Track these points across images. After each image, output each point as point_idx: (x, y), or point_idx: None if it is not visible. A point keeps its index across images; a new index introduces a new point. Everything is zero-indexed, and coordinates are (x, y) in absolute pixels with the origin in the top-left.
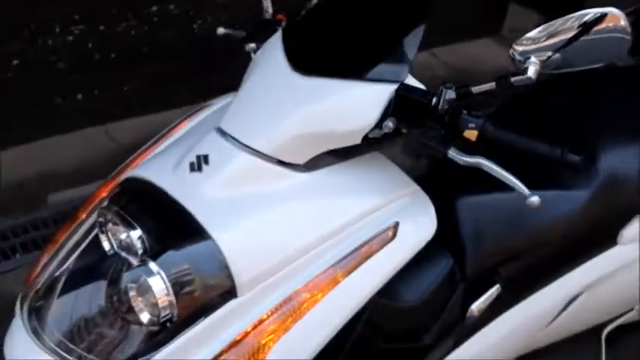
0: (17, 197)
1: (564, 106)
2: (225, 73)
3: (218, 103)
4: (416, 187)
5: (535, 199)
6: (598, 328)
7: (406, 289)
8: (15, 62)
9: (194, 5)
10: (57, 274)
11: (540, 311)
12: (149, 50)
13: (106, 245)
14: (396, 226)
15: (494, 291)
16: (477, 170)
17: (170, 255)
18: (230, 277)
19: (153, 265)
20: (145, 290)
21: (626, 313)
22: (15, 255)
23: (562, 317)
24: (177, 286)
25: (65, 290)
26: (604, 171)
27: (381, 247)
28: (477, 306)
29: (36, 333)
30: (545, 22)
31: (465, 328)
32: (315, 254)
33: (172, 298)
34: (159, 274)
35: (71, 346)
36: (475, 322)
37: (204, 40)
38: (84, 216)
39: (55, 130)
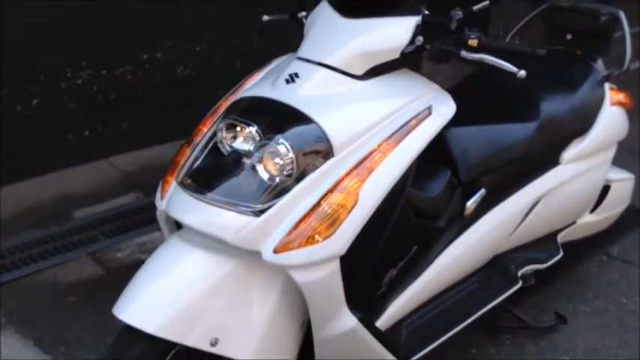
0: (45, 214)
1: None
2: (198, 112)
3: (275, 62)
4: (438, 87)
5: (523, 73)
6: (554, 234)
7: (427, 187)
8: (35, 102)
9: (176, 54)
10: (196, 165)
11: (513, 212)
12: (142, 92)
13: (224, 149)
14: (430, 108)
15: (481, 193)
16: (466, 108)
17: (287, 133)
18: (329, 143)
19: (277, 138)
20: (274, 154)
21: (573, 223)
22: (55, 256)
23: (527, 221)
24: (296, 150)
25: (204, 171)
26: (544, 111)
27: (423, 121)
28: (470, 203)
29: (194, 196)
30: None
31: (464, 221)
32: (381, 127)
33: (293, 156)
34: (283, 143)
35: (217, 196)
36: (470, 217)
37: (184, 82)
38: (204, 129)
39: (67, 162)
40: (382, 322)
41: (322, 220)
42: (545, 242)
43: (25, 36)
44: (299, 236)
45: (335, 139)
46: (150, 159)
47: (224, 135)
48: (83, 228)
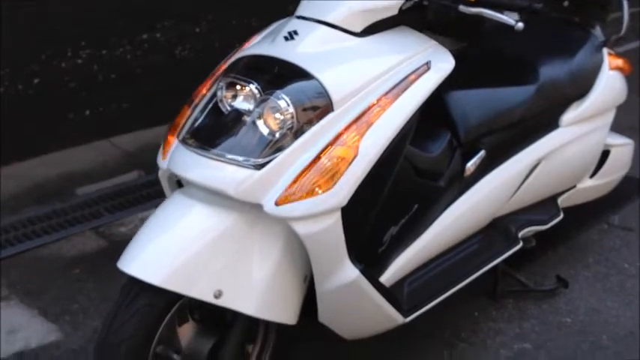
0: (48, 191)
1: (517, 41)
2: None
3: (274, 24)
4: (437, 43)
5: (520, 25)
6: (554, 197)
7: (428, 147)
8: (36, 81)
9: (176, 35)
10: (197, 123)
11: (512, 174)
12: (142, 72)
13: (225, 108)
14: (428, 63)
15: (481, 155)
16: (467, 72)
17: (286, 88)
18: (328, 98)
19: (278, 93)
20: (274, 109)
21: (573, 187)
22: (58, 231)
23: (527, 183)
24: (296, 104)
25: (205, 128)
26: (542, 75)
27: (421, 76)
28: (470, 164)
29: (196, 152)
30: None
31: (464, 182)
32: (380, 82)
33: (293, 111)
34: (283, 98)
35: (219, 152)
36: (470, 178)
37: (183, 63)
38: (204, 91)
39: (69, 141)
40: (384, 279)
41: (322, 172)
42: (546, 205)
43: (26, 15)
44: (300, 189)
45: (334, 94)
46: (151, 139)
47: (224, 94)
48: (86, 204)
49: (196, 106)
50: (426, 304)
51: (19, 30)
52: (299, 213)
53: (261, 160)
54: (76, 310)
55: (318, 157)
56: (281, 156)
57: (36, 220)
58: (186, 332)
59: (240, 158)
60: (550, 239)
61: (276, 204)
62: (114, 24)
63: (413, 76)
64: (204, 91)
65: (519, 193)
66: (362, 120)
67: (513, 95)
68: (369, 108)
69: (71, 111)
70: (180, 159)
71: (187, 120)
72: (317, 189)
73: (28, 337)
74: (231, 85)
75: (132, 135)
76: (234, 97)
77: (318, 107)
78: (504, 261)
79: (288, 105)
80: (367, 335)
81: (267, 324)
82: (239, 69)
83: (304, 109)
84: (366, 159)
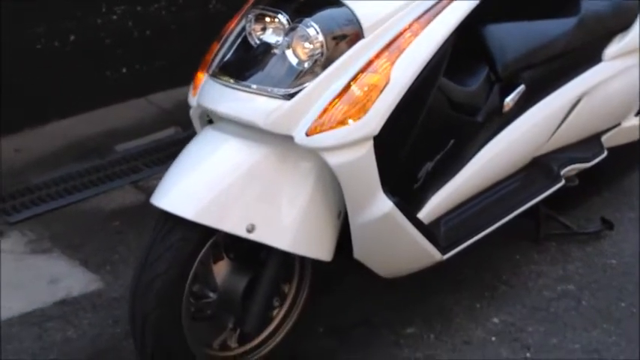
0: (87, 148)
1: None
2: None
3: None
4: None
5: None
6: (597, 135)
7: (464, 81)
8: (72, 38)
9: None
10: (227, 58)
11: (554, 110)
12: (176, 27)
13: (254, 41)
14: None
15: (520, 89)
16: (505, 4)
17: (316, 16)
18: (359, 25)
19: (307, 21)
20: (303, 38)
21: (617, 125)
22: (98, 186)
23: (569, 120)
24: (325, 32)
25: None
26: (584, 6)
27: (453, 1)
28: (509, 99)
29: (226, 85)
30: None
31: (503, 118)
32: (412, 7)
33: (323, 39)
34: (312, 26)
35: (248, 83)
36: (509, 113)
37: (217, 18)
38: (233, 25)
39: (107, 99)
40: (421, 217)
41: (353, 101)
42: (589, 143)
43: None
44: (331, 118)
45: (365, 21)
46: (187, 96)
47: (252, 26)
48: (125, 160)
49: (225, 41)
50: (464, 242)
51: None
52: (330, 143)
53: (290, 90)
54: (116, 261)
55: (348, 86)
56: (311, 85)
57: (76, 176)
58: (221, 270)
59: (270, 89)
60: (594, 181)
61: (307, 134)
62: None
63: (444, 2)
64: (232, 26)
65: (561, 130)
66: (393, 46)
67: (554, 28)
68: (401, 34)
69: (108, 68)
70: (209, 93)
71: (216, 55)
72: (348, 118)
73: (70, 286)
74: (259, 18)
75: (168, 92)
76: (264, 29)
77: (348, 35)
78: (547, 204)
79: (318, 33)
80: (404, 273)
81: (303, 264)
82: (268, 0)
83: (334, 38)
84: (398, 86)
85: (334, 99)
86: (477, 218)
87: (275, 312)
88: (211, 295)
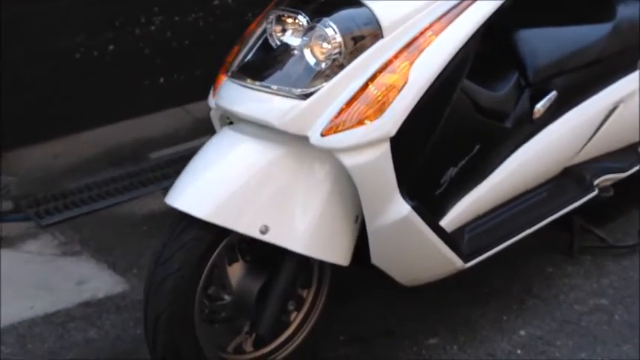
0: (122, 155)
1: None
2: None
3: None
4: None
5: None
6: (634, 145)
7: (493, 85)
8: (111, 47)
9: (247, 0)
10: (246, 60)
11: (587, 118)
12: (214, 38)
13: (274, 42)
14: None
15: (552, 96)
16: (538, 9)
17: (334, 16)
18: (378, 24)
19: (325, 20)
20: (321, 38)
21: None
22: (131, 191)
23: (603, 129)
24: (344, 32)
25: (254, 63)
26: (620, 12)
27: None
28: (540, 105)
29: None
30: None
31: (534, 125)
32: (434, 7)
33: (341, 40)
34: (330, 26)
35: (266, 83)
36: (540, 120)
37: None
38: (254, 27)
39: (144, 108)
40: (443, 224)
41: (371, 101)
42: (624, 152)
43: None
44: (347, 118)
45: (384, 20)
46: None
47: (273, 27)
48: (158, 167)
49: (246, 43)
50: (488, 250)
51: None
52: (345, 144)
53: (307, 90)
54: (143, 264)
55: (365, 86)
56: (327, 85)
57: (110, 182)
58: (236, 273)
59: (286, 88)
60: (631, 193)
61: (322, 135)
62: None
63: (468, 1)
64: (253, 27)
65: (595, 139)
66: (413, 46)
67: (588, 33)
68: (421, 34)
69: (146, 78)
70: (227, 93)
71: (236, 57)
72: (365, 119)
73: (96, 288)
74: (280, 19)
75: (205, 102)
76: (284, 31)
77: (367, 35)
78: (582, 215)
79: (336, 33)
80: (424, 281)
81: (322, 269)
82: (288, 1)
83: (353, 38)
84: (416, 87)
85: (351, 99)
86: (503, 227)
87: (292, 317)
88: (226, 297)
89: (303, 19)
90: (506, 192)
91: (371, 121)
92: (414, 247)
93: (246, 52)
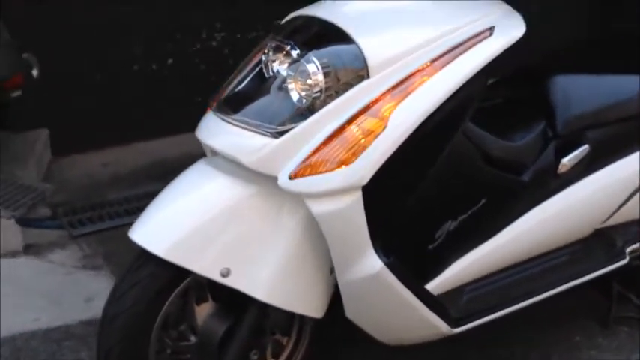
0: (167, 169)
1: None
2: None
3: None
4: (508, 7)
5: None
6: None
7: (511, 135)
8: (169, 61)
9: None
10: (234, 90)
11: (623, 177)
12: None
13: (267, 72)
14: (492, 28)
15: (583, 150)
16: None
17: (321, 51)
18: (365, 63)
19: (309, 56)
20: (304, 73)
21: None
22: None
23: None
24: (327, 69)
25: (240, 95)
26: None
27: (479, 42)
28: (567, 160)
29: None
30: None
31: (558, 181)
32: (430, 48)
33: (322, 77)
34: (313, 61)
35: (244, 118)
36: (566, 176)
37: None
38: (250, 58)
39: (194, 124)
40: (439, 282)
41: (345, 145)
42: None
43: None
44: (318, 162)
45: (372, 59)
46: None
47: (270, 57)
48: None
49: (236, 75)
50: (487, 315)
51: (155, 7)
52: (314, 189)
53: (281, 128)
54: None
55: (343, 128)
56: (302, 125)
57: (150, 196)
58: (203, 313)
59: (262, 124)
60: None
61: (290, 177)
62: (251, 6)
63: (469, 43)
64: (248, 59)
65: (632, 201)
66: (399, 88)
67: (627, 85)
68: (411, 75)
69: (199, 94)
70: (206, 125)
71: (228, 86)
72: (337, 164)
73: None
74: (277, 49)
75: None
76: (281, 62)
77: (353, 73)
78: (619, 281)
79: (318, 69)
80: (406, 342)
81: (303, 319)
82: (286, 31)
83: (337, 75)
84: (395, 133)
85: (325, 141)
86: (511, 290)
87: None
88: (192, 338)
89: (293, 52)
90: (520, 251)
91: (343, 166)
92: (387, 305)
93: (237, 82)
